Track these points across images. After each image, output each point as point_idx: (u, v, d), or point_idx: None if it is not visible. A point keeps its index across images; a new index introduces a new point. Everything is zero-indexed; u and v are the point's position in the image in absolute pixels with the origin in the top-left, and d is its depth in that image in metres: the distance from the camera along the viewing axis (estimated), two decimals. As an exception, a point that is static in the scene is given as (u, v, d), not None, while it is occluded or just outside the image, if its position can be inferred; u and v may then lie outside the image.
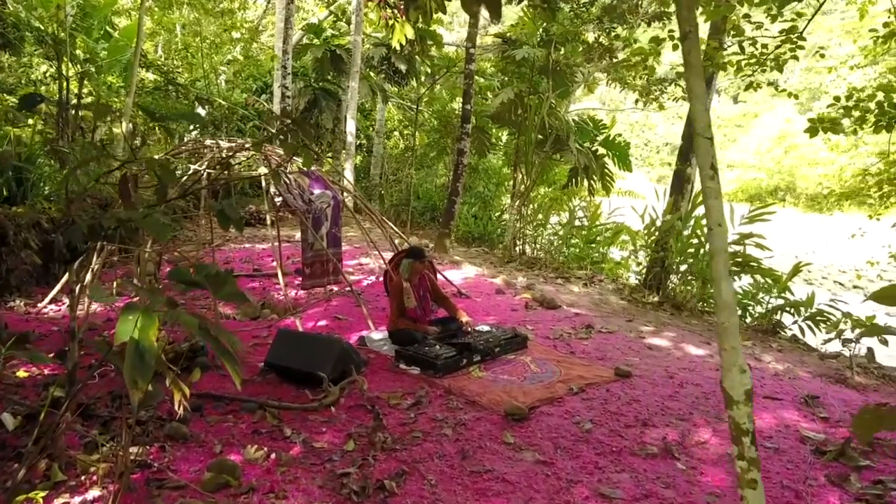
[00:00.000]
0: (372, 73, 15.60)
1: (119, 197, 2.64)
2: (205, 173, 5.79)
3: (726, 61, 6.95)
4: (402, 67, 14.68)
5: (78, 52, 14.06)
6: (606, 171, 11.52)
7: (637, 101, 11.86)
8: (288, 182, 6.08)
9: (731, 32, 6.12)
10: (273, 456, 3.66)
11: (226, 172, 5.23)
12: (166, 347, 5.28)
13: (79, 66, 13.99)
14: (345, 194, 7.99)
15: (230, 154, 6.08)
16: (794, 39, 6.32)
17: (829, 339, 6.34)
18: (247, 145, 6.54)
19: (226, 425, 4.18)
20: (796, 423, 4.39)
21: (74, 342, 3.53)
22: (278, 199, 6.14)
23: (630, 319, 7.16)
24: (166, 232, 2.91)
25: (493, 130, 13.53)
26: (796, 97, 7.29)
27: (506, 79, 12.65)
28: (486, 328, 5.80)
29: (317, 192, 6.34)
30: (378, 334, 5.96)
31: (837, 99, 6.73)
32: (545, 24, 10.79)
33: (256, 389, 4.82)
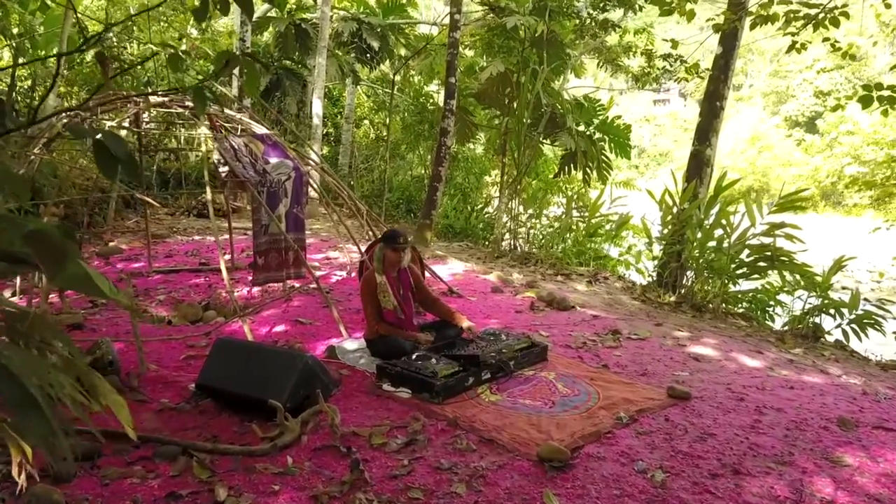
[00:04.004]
0: (340, 52, 14.16)
1: None
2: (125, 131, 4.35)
3: (771, 14, 5.78)
4: (375, 44, 13.31)
5: (13, 28, 12.57)
6: (604, 157, 10.33)
7: (637, 81, 10.76)
8: (235, 146, 4.67)
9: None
10: (193, 543, 2.31)
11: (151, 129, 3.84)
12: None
13: (11, 40, 12.44)
14: (311, 173, 6.60)
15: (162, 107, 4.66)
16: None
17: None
18: (188, 102, 5.12)
19: (129, 483, 2.80)
20: (936, 465, 3.19)
21: None
22: (223, 169, 4.73)
23: (659, 323, 5.94)
24: (19, 186, 1.56)
25: (478, 112, 12.23)
26: (853, 57, 6.20)
27: (491, 59, 11.38)
28: (492, 335, 4.50)
29: (273, 160, 4.96)
30: (353, 343, 4.61)
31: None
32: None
33: (182, 422, 3.43)
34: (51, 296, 5.43)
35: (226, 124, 5.23)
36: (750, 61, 59.53)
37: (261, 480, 2.83)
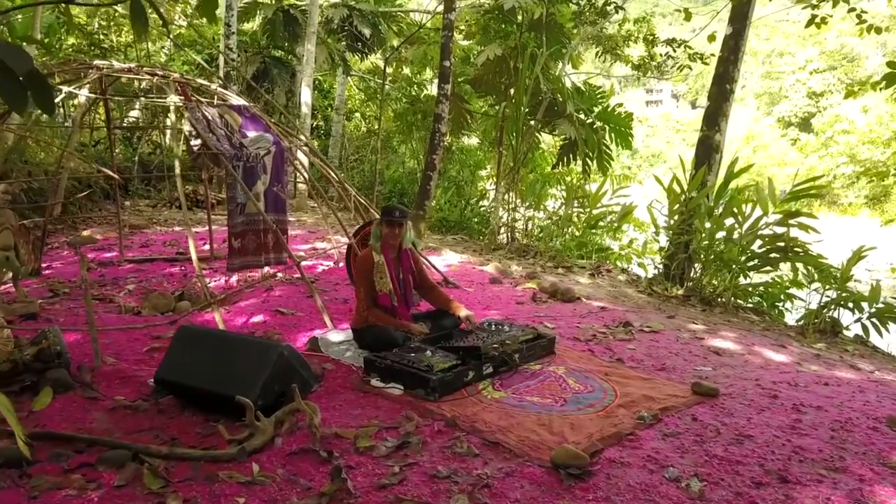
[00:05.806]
0: (330, 40, 13.68)
1: None
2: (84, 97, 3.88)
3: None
4: (366, 32, 12.84)
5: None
6: (605, 147, 9.90)
7: (638, 69, 10.35)
8: (208, 117, 4.20)
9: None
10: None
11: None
12: (7, 351, 3.35)
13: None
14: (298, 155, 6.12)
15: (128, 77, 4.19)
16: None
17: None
18: (159, 72, 4.66)
19: (63, 496, 2.34)
20: None
21: None
22: (195, 142, 4.26)
23: (671, 316, 5.51)
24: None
25: (474, 101, 11.77)
26: (878, 31, 5.82)
27: (487, 45, 10.93)
28: (494, 325, 4.05)
29: (251, 134, 4.49)
30: (338, 335, 4.14)
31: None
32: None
33: (137, 423, 2.97)
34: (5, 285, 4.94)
35: (200, 96, 4.76)
36: (742, 62, 59.46)
37: (223, 491, 2.37)
